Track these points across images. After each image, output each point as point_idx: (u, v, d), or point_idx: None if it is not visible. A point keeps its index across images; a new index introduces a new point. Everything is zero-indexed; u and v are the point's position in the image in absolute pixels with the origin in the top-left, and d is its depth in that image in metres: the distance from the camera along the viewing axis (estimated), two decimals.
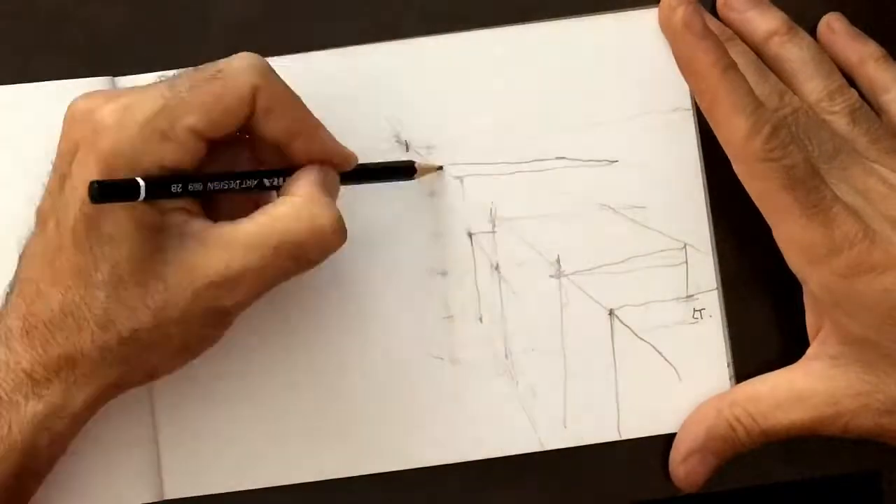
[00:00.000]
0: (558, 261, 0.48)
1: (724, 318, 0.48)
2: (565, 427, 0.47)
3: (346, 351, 0.47)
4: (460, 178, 0.48)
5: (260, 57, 0.41)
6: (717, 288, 0.48)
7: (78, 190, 0.39)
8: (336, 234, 0.41)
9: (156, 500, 0.47)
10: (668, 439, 0.47)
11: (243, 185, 0.42)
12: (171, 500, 0.47)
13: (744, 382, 0.46)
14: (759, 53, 0.47)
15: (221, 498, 0.47)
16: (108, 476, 0.46)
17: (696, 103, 0.47)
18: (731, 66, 0.42)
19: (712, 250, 0.48)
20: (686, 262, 0.48)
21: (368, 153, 0.47)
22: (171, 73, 0.42)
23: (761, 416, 0.44)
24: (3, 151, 0.47)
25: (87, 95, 0.41)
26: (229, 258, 0.40)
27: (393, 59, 0.48)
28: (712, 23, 0.46)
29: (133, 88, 0.42)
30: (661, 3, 0.45)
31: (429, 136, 0.48)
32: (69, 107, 0.41)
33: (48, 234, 0.40)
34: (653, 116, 0.48)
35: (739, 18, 0.48)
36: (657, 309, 0.47)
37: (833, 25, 0.48)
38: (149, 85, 0.41)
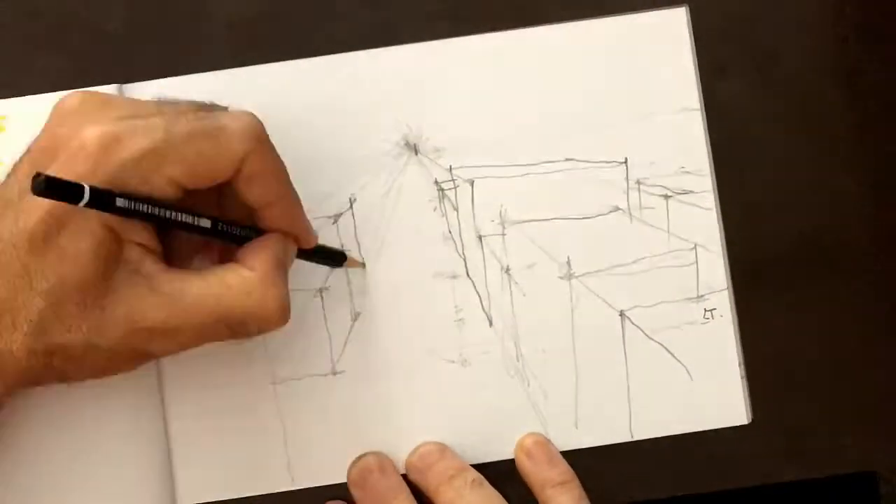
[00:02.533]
0: (568, 262, 0.48)
1: (735, 318, 0.48)
2: (577, 428, 0.47)
3: (357, 354, 0.47)
4: (470, 181, 0.48)
5: (260, 122, 0.41)
6: (727, 288, 0.48)
7: (45, 201, 0.39)
8: (280, 317, 0.42)
9: None
10: (677, 439, 0.47)
11: (197, 226, 0.41)
12: None
13: None
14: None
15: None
16: (120, 483, 0.46)
17: (703, 103, 0.48)
18: None
19: (722, 250, 0.48)
20: (696, 263, 0.48)
21: (377, 156, 0.47)
22: (171, 99, 0.42)
23: None
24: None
25: (83, 99, 0.41)
26: (171, 312, 0.40)
27: (402, 63, 0.48)
28: None
29: (130, 114, 0.40)
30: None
31: (438, 139, 0.48)
32: (63, 101, 0.41)
33: (5, 226, 0.40)
34: (661, 117, 0.48)
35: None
36: (668, 309, 0.47)
37: (532, 451, 0.47)
38: (146, 119, 0.40)
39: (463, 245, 0.48)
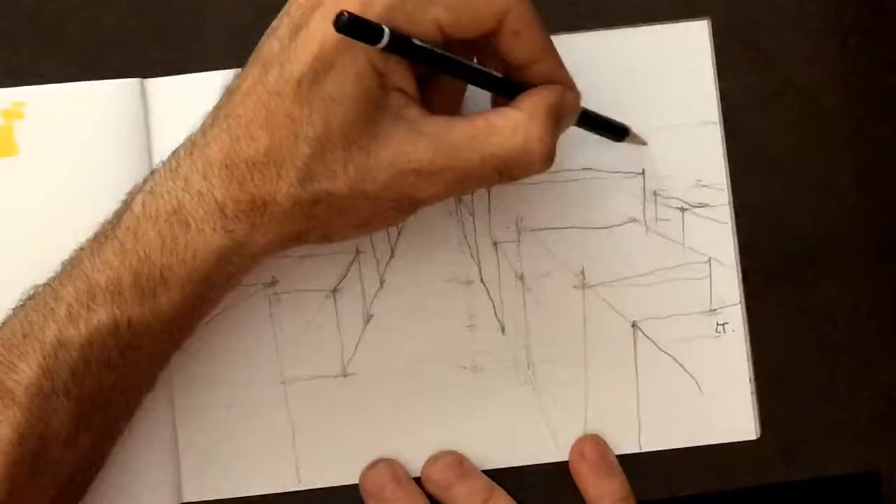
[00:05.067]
0: (582, 272, 0.48)
1: (747, 333, 0.48)
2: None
3: (368, 356, 0.47)
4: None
5: None
6: (740, 302, 0.48)
7: (313, 43, 0.39)
8: (544, 160, 0.41)
9: None
10: (682, 451, 0.47)
11: (482, 80, 0.41)
12: (189, 503, 0.47)
13: None
14: None
15: (239, 502, 0.47)
16: (127, 479, 0.46)
17: (723, 117, 0.48)
18: None
19: (736, 264, 0.48)
20: (710, 276, 0.48)
21: None
22: None
23: None
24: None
25: None
26: (436, 152, 0.40)
27: None
28: None
29: None
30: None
31: None
32: None
33: (269, 78, 0.40)
34: (680, 129, 0.48)
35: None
36: (680, 322, 0.47)
37: (585, 451, 0.47)
38: None
39: (478, 251, 0.48)
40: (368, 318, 0.47)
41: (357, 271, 0.47)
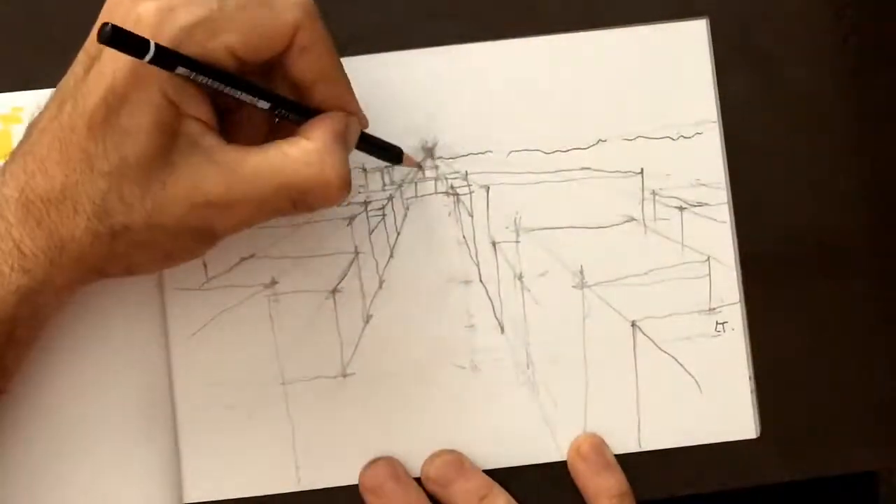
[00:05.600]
0: (581, 271, 0.48)
1: (747, 332, 0.48)
2: None
3: (367, 357, 0.47)
4: (486, 187, 0.48)
5: None
6: (739, 301, 0.48)
7: (105, 76, 0.39)
8: (340, 190, 0.41)
9: None
10: (682, 450, 0.47)
11: (256, 100, 0.41)
12: None
13: None
14: None
15: (240, 503, 0.47)
16: (128, 481, 0.46)
17: (721, 116, 0.48)
18: None
19: (735, 263, 0.48)
20: (709, 275, 0.48)
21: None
22: None
23: None
24: None
25: None
26: (231, 183, 0.40)
27: (419, 68, 0.48)
28: None
29: None
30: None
31: (453, 145, 0.48)
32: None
33: (64, 114, 0.40)
34: (678, 128, 0.48)
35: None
36: (679, 321, 0.47)
37: (582, 449, 0.47)
38: None
39: (477, 251, 0.48)
40: (368, 319, 0.47)
41: (356, 272, 0.47)
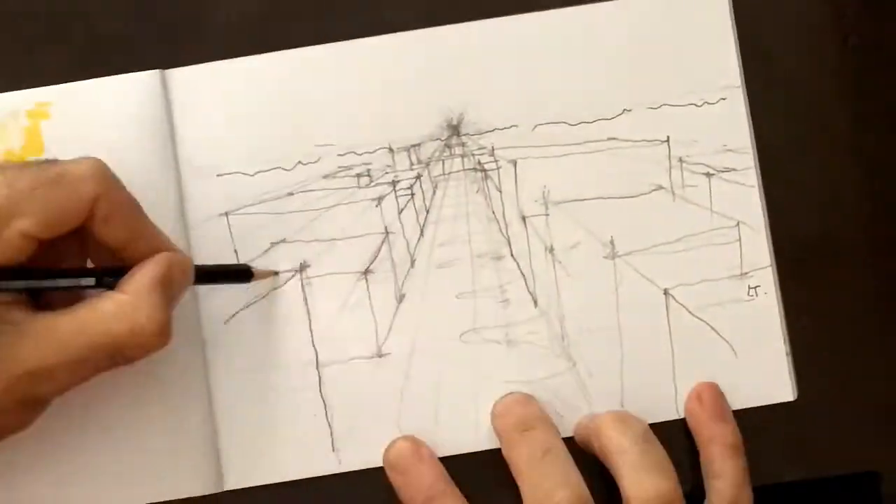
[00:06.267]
0: (612, 242, 0.48)
1: (779, 294, 0.48)
2: (623, 406, 0.47)
3: (402, 336, 0.47)
4: (513, 162, 0.48)
5: (103, 163, 0.41)
6: (771, 265, 0.48)
7: None
8: (157, 338, 0.40)
9: (215, 492, 0.47)
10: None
11: (75, 284, 0.41)
12: (231, 491, 0.47)
13: None
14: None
15: (279, 487, 0.47)
16: (168, 470, 0.46)
17: (749, 85, 0.48)
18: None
19: (765, 227, 0.48)
20: (739, 240, 0.48)
21: (420, 138, 0.48)
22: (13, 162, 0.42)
23: None
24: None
25: None
26: (44, 351, 0.39)
27: (444, 44, 0.48)
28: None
29: None
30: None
31: (480, 120, 0.48)
32: None
33: None
34: (703, 95, 0.48)
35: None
36: (712, 287, 0.48)
37: (702, 396, 0.47)
38: None
39: (507, 226, 0.48)
40: (401, 298, 0.47)
41: (388, 252, 0.47)
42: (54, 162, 0.41)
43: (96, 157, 0.41)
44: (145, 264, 0.41)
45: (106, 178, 0.40)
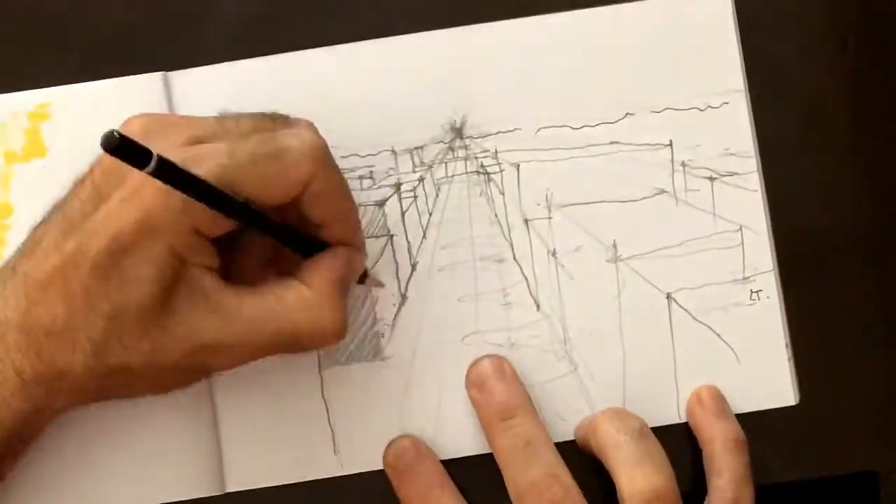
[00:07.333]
0: (615, 245, 0.48)
1: (782, 299, 0.48)
2: None
3: (404, 339, 0.47)
4: (516, 165, 0.48)
5: (323, 140, 0.41)
6: (773, 269, 0.48)
7: (112, 222, 0.39)
8: (335, 336, 0.42)
9: (217, 494, 0.47)
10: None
11: (272, 229, 0.41)
12: (232, 493, 0.47)
13: None
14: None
15: (280, 490, 0.47)
16: (170, 472, 0.46)
17: (749, 85, 0.48)
18: None
19: (768, 231, 0.48)
20: (742, 244, 0.48)
21: (423, 141, 0.48)
22: (233, 114, 0.42)
23: None
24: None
25: (145, 123, 0.41)
26: (228, 329, 0.41)
27: (447, 47, 0.48)
28: None
29: (193, 138, 0.40)
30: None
31: (482, 124, 0.48)
32: (127, 125, 0.41)
33: (68, 246, 0.40)
34: (706, 99, 0.48)
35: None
36: (714, 291, 0.48)
37: (702, 396, 0.47)
38: (210, 143, 0.40)
39: (509, 229, 0.48)
40: (403, 301, 0.47)
41: (390, 254, 0.47)
42: (273, 124, 0.42)
43: (315, 128, 0.42)
44: (330, 259, 0.42)
45: (323, 159, 0.41)
